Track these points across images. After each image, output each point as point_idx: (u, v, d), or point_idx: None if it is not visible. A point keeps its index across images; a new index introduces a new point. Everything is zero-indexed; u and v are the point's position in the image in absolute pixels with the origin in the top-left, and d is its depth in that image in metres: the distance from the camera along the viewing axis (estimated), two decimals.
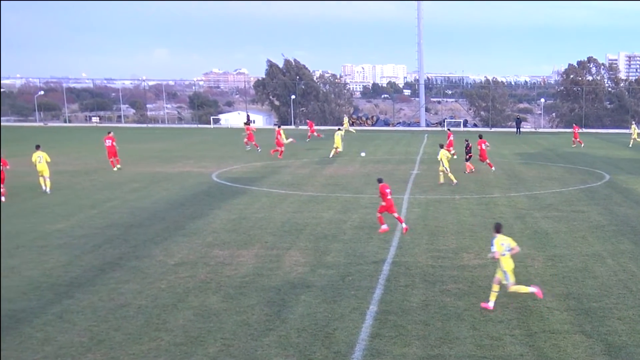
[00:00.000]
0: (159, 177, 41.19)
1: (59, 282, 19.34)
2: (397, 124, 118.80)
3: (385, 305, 17.44)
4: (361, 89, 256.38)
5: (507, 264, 17.72)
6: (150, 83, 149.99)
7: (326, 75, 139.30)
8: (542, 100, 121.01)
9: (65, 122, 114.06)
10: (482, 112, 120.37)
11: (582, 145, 68.07)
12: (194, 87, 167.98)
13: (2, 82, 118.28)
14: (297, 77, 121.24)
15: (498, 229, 18.23)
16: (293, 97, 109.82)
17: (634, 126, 74.66)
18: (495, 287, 17.76)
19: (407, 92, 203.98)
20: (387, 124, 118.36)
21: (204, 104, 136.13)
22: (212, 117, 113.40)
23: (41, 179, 35.79)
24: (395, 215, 26.65)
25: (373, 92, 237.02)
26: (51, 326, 15.81)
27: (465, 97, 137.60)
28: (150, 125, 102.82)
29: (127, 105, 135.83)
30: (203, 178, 40.85)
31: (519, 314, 16.96)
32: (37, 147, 37.02)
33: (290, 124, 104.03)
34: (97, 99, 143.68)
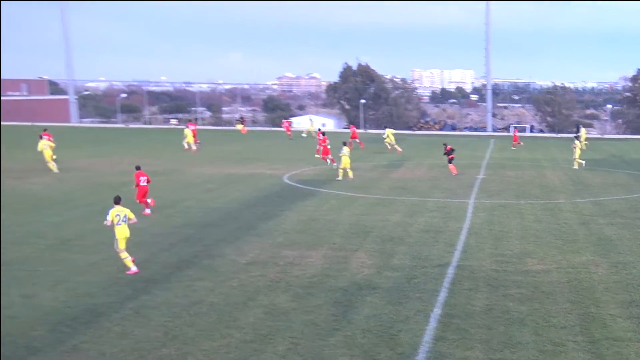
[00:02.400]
0: (232, 178, 41.56)
1: (136, 279, 19.66)
2: (464, 128, 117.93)
3: (449, 308, 17.33)
4: (429, 94, 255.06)
5: (121, 233, 20.60)
6: (226, 87, 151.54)
7: (396, 79, 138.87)
8: (609, 106, 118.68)
9: (145, 124, 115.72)
10: (548, 118, 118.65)
11: None
12: (267, 91, 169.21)
13: (76, 84, 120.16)
14: (369, 82, 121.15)
15: (117, 201, 21.41)
16: (363, 101, 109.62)
17: None
18: (123, 255, 20.51)
19: (474, 97, 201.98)
20: (454, 128, 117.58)
21: (277, 107, 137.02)
22: (284, 120, 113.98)
23: None
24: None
25: (441, 97, 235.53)
26: (128, 321, 16.08)
27: (531, 103, 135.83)
28: (225, 128, 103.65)
29: (204, 108, 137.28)
30: (275, 180, 41.09)
31: (581, 321, 16.68)
32: None
33: (360, 128, 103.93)
34: (176, 102, 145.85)
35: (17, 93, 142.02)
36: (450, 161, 45.94)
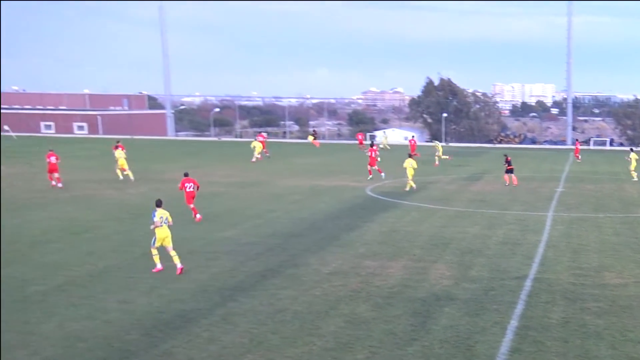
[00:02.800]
0: (318, 190, 41.71)
1: (224, 286, 19.86)
2: (544, 142, 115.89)
3: (525, 320, 17.02)
4: (510, 107, 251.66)
5: (161, 233, 21.52)
6: (314, 101, 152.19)
7: (477, 93, 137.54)
8: None
9: (236, 137, 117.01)
10: (628, 131, 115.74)
11: None
12: (353, 105, 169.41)
13: (173, 99, 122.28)
14: (450, 96, 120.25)
15: (159, 204, 22.41)
16: (445, 115, 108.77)
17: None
18: (154, 251, 21.59)
19: (554, 110, 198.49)
20: (534, 142, 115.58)
21: (362, 121, 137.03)
22: (368, 134, 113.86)
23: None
24: None
25: (522, 110, 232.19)
26: (216, 327, 16.25)
27: (612, 116, 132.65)
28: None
29: (292, 122, 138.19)
30: (358, 192, 41.08)
31: None
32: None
33: (441, 141, 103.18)
34: (266, 116, 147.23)
35: (119, 108, 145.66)
36: (507, 172, 45.81)
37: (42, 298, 18.40)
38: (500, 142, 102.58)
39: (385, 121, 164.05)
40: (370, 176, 48.04)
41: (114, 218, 30.75)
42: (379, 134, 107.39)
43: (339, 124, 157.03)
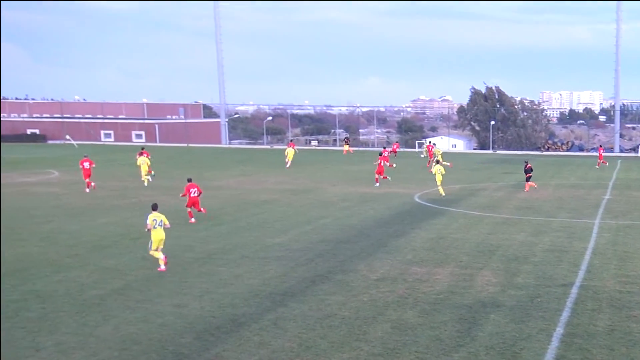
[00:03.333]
0: (367, 197, 41.63)
1: (275, 291, 19.92)
2: (591, 149, 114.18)
3: (571, 328, 16.76)
4: (558, 115, 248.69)
5: (156, 235, 22.63)
6: (364, 109, 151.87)
7: (525, 101, 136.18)
8: None
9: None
10: None
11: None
12: (402, 113, 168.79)
13: (227, 108, 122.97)
14: (498, 104, 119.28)
15: (154, 208, 23.47)
16: (492, 122, 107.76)
17: None
18: (155, 254, 22.64)
19: (602, 118, 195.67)
20: (581, 149, 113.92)
21: (411, 129, 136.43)
22: (417, 142, 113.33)
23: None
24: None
25: (569, 118, 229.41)
26: (266, 331, 16.30)
27: None
28: (361, 149, 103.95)
29: (342, 130, 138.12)
30: (406, 199, 40.91)
31: None
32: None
33: (489, 149, 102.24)
34: (317, 124, 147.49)
35: (175, 116, 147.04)
36: (528, 179, 45.58)
37: (100, 301, 18.65)
38: (547, 150, 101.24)
39: (433, 129, 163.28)
40: (377, 184, 48.33)
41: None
42: (434, 141, 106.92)
43: (388, 131, 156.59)
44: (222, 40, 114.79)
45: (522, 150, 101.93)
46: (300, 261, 23.81)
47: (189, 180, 32.97)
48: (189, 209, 32.32)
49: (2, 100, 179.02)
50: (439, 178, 42.37)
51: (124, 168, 59.88)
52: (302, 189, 45.31)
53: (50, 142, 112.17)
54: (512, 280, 21.42)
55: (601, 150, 71.43)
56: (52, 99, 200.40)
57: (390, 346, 15.28)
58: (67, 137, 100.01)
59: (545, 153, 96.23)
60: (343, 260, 23.94)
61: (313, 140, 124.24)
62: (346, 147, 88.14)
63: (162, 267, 22.55)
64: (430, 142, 77.94)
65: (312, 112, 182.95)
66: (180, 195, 33.59)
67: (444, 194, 42.03)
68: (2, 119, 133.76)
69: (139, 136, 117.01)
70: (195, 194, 32.28)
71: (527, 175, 45.61)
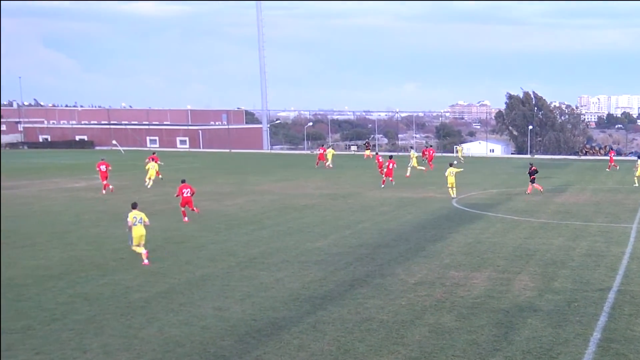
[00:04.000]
0: (405, 201, 41.48)
1: (314, 295, 19.91)
2: (629, 153, 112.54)
3: (608, 333, 16.51)
4: (595, 119, 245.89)
5: (136, 232, 23.98)
6: (403, 114, 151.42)
7: (562, 106, 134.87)
8: None
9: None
10: None
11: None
12: (440, 118, 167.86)
13: (269, 114, 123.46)
14: (535, 108, 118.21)
15: (134, 206, 24.84)
16: (530, 127, 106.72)
17: None
18: (137, 249, 24.09)
19: None
20: (619, 153, 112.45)
21: (449, 134, 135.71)
22: (455, 147, 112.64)
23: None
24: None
25: (607, 122, 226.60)
26: (306, 334, 16.29)
27: None
28: (400, 154, 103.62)
29: (381, 135, 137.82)
30: (444, 203, 40.68)
31: None
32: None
33: (527, 153, 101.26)
34: (356, 129, 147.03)
35: (219, 123, 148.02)
36: (532, 181, 45.50)
37: (144, 304, 18.81)
38: (585, 154, 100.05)
39: (471, 134, 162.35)
40: (383, 185, 49.36)
41: (210, 229, 31.24)
42: (471, 146, 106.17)
43: (427, 136, 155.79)
44: (265, 47, 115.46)
45: (560, 154, 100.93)
46: (340, 265, 23.78)
47: (183, 181, 34.87)
48: (182, 209, 34.00)
49: (52, 108, 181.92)
50: (450, 180, 43.21)
51: (169, 173, 60.29)
52: (341, 194, 45.28)
53: (97, 148, 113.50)
54: (550, 284, 21.17)
55: (612, 154, 70.37)
56: (99, 106, 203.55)
57: (428, 350, 15.19)
58: (114, 143, 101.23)
59: (583, 157, 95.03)
60: (381, 265, 23.87)
61: (352, 145, 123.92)
62: (367, 152, 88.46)
63: (145, 261, 23.72)
64: (430, 146, 79.63)
65: (351, 117, 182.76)
66: (175, 195, 35.20)
67: (453, 195, 43.05)
68: (52, 125, 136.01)
69: (183, 142, 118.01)
70: (188, 194, 33.94)
71: (532, 177, 45.56)
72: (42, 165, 72.23)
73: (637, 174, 52.13)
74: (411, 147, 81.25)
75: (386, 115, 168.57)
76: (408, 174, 59.57)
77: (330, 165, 68.15)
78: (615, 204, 40.91)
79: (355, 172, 63.92)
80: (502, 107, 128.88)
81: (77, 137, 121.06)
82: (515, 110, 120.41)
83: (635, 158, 62.22)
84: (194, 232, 30.18)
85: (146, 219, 24.52)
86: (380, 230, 30.86)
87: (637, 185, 51.17)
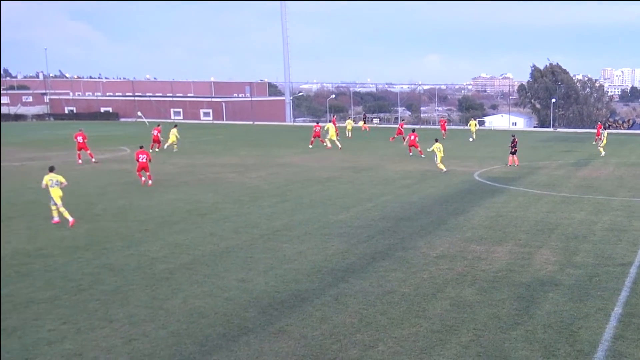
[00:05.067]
0: (427, 175, 41.37)
1: (337, 268, 19.95)
2: None
3: (630, 307, 16.41)
4: (619, 93, 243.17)
5: (54, 193, 25.84)
6: (425, 87, 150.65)
7: (586, 79, 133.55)
8: None
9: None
10: None
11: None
12: (463, 91, 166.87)
13: (292, 86, 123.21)
14: (558, 81, 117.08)
15: (51, 169, 26.64)
16: (553, 100, 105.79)
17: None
18: (61, 209, 25.79)
19: None
20: None
21: (471, 107, 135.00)
22: (477, 119, 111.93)
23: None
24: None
25: (631, 95, 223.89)
26: (328, 307, 16.35)
27: None
28: (422, 127, 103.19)
29: (403, 108, 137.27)
30: (466, 177, 40.55)
31: None
32: None
33: (549, 127, 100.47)
34: (379, 102, 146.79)
35: (242, 95, 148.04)
36: (513, 153, 46.45)
37: (169, 275, 18.95)
38: (609, 127, 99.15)
39: (494, 107, 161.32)
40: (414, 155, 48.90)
41: (234, 200, 31.35)
42: (494, 119, 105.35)
43: (449, 109, 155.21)
44: (288, 19, 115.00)
45: (582, 128, 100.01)
46: (362, 238, 23.79)
47: (141, 147, 37.44)
48: (139, 173, 36.53)
49: (77, 79, 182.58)
50: (439, 155, 43.34)
51: (193, 146, 60.57)
52: (364, 167, 45.24)
53: (122, 119, 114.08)
54: (571, 259, 21.07)
55: (600, 128, 68.94)
56: (124, 78, 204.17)
57: (449, 323, 15.20)
58: (139, 114, 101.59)
59: (606, 131, 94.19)
60: (403, 238, 23.86)
61: (375, 118, 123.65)
62: (361, 124, 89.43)
63: (71, 219, 25.55)
64: (402, 120, 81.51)
65: (374, 90, 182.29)
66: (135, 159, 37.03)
67: (445, 170, 42.97)
68: (77, 97, 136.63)
69: (206, 114, 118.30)
70: (144, 159, 36.24)
71: (514, 149, 46.48)
72: (67, 136, 72.66)
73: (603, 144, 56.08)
74: (472, 117, 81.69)
75: (409, 87, 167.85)
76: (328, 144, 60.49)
77: (337, 144, 65.09)
78: (638, 177, 40.52)
79: (376, 144, 63.77)
80: (525, 80, 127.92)
81: (102, 109, 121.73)
82: (538, 82, 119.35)
83: None
84: (218, 204, 30.29)
85: (63, 180, 26.42)
86: (402, 203, 30.82)
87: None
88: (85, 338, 14.11)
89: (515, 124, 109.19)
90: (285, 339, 14.23)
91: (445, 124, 77.89)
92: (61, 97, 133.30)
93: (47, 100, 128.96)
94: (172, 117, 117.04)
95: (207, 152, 56.10)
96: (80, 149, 47.72)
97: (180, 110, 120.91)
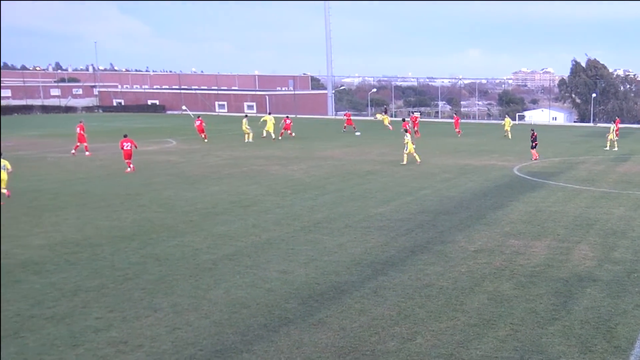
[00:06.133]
0: (467, 169, 41.09)
1: (376, 260, 19.92)
2: None
3: None
4: None
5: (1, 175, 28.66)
6: (465, 81, 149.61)
7: (626, 74, 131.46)
8: None
9: (391, 116, 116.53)
10: None
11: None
12: (503, 86, 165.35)
13: (342, 80, 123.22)
14: (598, 76, 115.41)
15: None
16: (594, 95, 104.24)
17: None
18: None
19: None
20: None
21: (511, 101, 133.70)
22: (517, 114, 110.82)
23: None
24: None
25: None
26: (367, 299, 16.33)
27: None
28: (462, 121, 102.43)
29: (444, 102, 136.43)
30: (505, 171, 40.18)
31: None
32: None
33: (589, 122, 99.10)
34: (419, 96, 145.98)
35: (285, 88, 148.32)
36: (533, 147, 46.53)
37: (212, 266, 19.07)
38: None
39: (534, 101, 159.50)
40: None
41: (277, 193, 31.44)
42: (534, 114, 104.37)
43: (489, 104, 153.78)
44: (331, 13, 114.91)
45: (623, 123, 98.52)
46: (401, 231, 23.72)
47: (125, 136, 39.62)
48: (127, 161, 38.77)
49: (126, 72, 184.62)
50: (410, 147, 43.44)
51: (237, 138, 60.84)
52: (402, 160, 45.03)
53: (168, 112, 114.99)
54: (609, 254, 20.79)
55: (618, 123, 66.71)
56: (170, 71, 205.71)
57: (486, 317, 15.10)
58: (184, 108, 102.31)
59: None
60: (442, 231, 23.74)
61: (415, 112, 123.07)
62: (379, 116, 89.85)
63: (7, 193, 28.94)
64: (413, 114, 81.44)
65: (415, 84, 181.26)
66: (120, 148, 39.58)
67: (418, 161, 43.57)
68: (126, 89, 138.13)
69: (250, 107, 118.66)
70: (128, 147, 38.61)
71: (534, 143, 46.59)
72: (115, 128, 73.53)
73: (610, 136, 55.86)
74: (507, 114, 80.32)
75: (449, 82, 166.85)
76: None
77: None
78: None
79: (417, 139, 63.49)
80: (566, 74, 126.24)
81: (149, 102, 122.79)
82: (578, 77, 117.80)
83: None
84: (261, 196, 30.41)
85: (9, 166, 29.46)
86: (441, 197, 30.66)
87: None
88: (130, 326, 14.29)
89: (556, 119, 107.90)
90: (325, 330, 14.25)
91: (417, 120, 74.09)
92: (110, 89, 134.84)
93: (97, 93, 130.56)
94: (217, 110, 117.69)
95: (250, 144, 56.32)
96: (79, 141, 48.53)
97: (225, 103, 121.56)
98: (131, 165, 38.81)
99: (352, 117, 78.08)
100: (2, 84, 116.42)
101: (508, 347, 13.41)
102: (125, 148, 38.54)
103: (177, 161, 43.86)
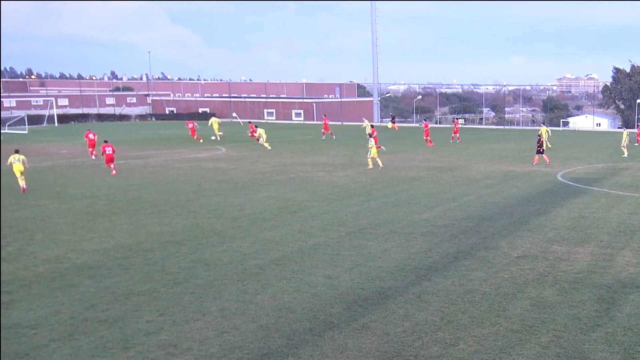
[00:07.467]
0: (510, 175, 40.64)
1: (420, 266, 19.81)
2: None
3: None
4: None
5: (16, 167, 32.77)
6: (510, 88, 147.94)
7: None
8: None
9: (436, 123, 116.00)
10: None
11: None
12: (547, 92, 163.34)
13: (388, 87, 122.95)
14: None
15: (17, 151, 33.95)
16: (639, 101, 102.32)
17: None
18: (20, 180, 32.66)
19: None
20: None
21: (556, 108, 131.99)
22: (561, 120, 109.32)
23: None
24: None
25: None
26: (410, 304, 16.25)
27: None
28: (507, 127, 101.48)
29: (488, 109, 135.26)
30: (549, 177, 39.65)
31: None
32: None
33: (634, 127, 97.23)
34: (464, 103, 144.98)
35: (332, 96, 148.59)
36: (538, 152, 46.36)
37: (259, 271, 19.15)
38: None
39: (578, 107, 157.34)
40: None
41: (323, 199, 31.46)
42: (578, 120, 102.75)
43: (533, 110, 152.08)
44: (377, 21, 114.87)
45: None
46: (445, 237, 23.56)
47: (105, 142, 41.58)
48: (112, 165, 40.30)
49: (178, 81, 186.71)
50: (374, 151, 43.96)
51: (284, 145, 61.08)
52: (448, 167, 44.78)
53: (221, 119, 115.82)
54: None
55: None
56: (221, 80, 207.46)
57: (529, 323, 14.91)
58: (234, 115, 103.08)
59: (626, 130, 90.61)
60: (485, 237, 23.52)
61: (460, 118, 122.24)
62: (390, 125, 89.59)
63: (24, 186, 32.53)
64: (456, 120, 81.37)
65: (459, 91, 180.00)
66: (102, 154, 41.44)
67: (380, 165, 43.55)
68: (177, 98, 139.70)
69: (298, 114, 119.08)
70: (110, 152, 40.32)
71: (539, 148, 46.32)
72: (168, 136, 74.38)
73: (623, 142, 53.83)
74: (542, 123, 78.38)
75: (493, 88, 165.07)
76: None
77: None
78: None
79: (461, 145, 63.04)
80: (609, 81, 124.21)
81: (200, 109, 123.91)
82: (621, 83, 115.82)
83: None
84: (307, 202, 30.46)
85: (25, 159, 33.33)
86: (484, 204, 30.37)
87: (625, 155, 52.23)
88: (180, 330, 14.42)
89: (600, 125, 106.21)
90: (369, 335, 14.22)
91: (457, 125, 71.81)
92: (162, 98, 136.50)
93: (150, 101, 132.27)
94: (265, 117, 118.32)
95: (297, 151, 56.48)
96: (91, 147, 50.71)
97: (273, 110, 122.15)
98: (115, 170, 40.39)
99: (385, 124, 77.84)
100: (59, 94, 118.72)
101: (550, 354, 13.22)
102: (107, 152, 40.45)
103: (226, 168, 44.17)
